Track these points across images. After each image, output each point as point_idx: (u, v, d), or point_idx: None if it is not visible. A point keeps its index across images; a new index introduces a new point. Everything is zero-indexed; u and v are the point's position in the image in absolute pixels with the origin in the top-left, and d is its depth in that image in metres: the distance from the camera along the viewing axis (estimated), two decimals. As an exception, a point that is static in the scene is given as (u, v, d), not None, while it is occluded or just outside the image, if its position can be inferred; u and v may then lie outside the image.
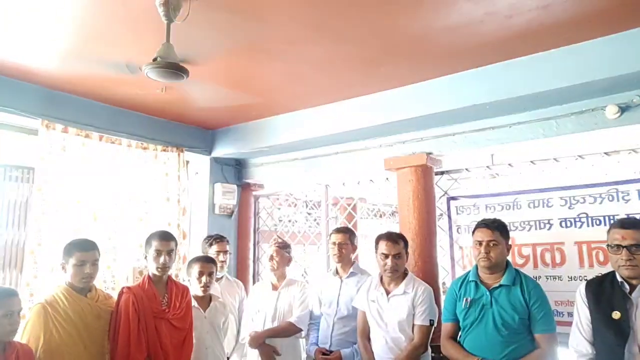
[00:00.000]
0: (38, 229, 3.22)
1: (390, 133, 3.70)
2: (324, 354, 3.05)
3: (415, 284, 2.86)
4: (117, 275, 3.68)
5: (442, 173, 3.73)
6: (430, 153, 3.56)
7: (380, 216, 4.75)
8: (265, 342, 3.11)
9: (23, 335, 2.31)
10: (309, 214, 4.93)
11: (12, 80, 3.14)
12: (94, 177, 3.62)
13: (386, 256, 2.82)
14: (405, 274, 2.90)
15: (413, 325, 2.77)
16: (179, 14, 2.21)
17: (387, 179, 3.98)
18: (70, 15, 2.36)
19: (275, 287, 3.30)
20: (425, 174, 3.57)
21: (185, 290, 2.85)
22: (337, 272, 3.27)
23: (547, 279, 3.10)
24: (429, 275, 3.31)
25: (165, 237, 2.75)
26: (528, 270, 3.00)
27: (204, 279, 2.91)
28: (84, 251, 2.48)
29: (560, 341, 2.45)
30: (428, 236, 3.49)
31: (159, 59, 2.21)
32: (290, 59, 2.91)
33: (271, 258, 3.30)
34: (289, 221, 4.91)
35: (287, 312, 3.21)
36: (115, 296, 2.70)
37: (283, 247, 3.35)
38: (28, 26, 2.46)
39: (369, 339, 2.91)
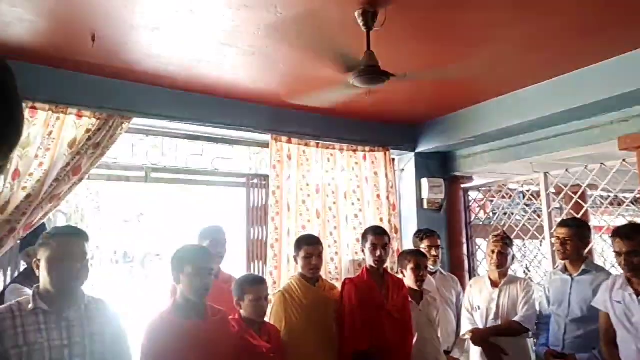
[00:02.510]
0: (275, 227, 3.78)
1: (623, 106, 3.13)
2: (555, 356, 2.78)
3: (680, 286, 2.36)
4: (339, 268, 4.04)
5: (702, 148, 3.00)
6: (683, 124, 2.89)
7: (619, 204, 4.06)
8: (489, 341, 3.00)
9: (270, 318, 2.74)
10: (527, 205, 4.52)
11: (247, 104, 3.74)
12: (314, 179, 4.06)
13: (619, 254, 2.41)
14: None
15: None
16: (376, 20, 2.32)
17: (623, 160, 3.39)
18: (287, 40, 2.70)
19: (495, 284, 3.14)
20: (677, 151, 2.92)
21: (401, 282, 2.95)
22: (566, 269, 2.94)
23: None
24: (693, 274, 2.68)
25: (380, 232, 2.90)
26: None
27: (420, 272, 2.96)
28: (310, 245, 2.78)
29: None
30: (688, 226, 2.83)
31: (362, 67, 2.35)
32: (493, 42, 2.74)
33: (492, 253, 3.14)
34: (504, 214, 4.59)
35: (511, 310, 3.02)
36: (338, 286, 2.97)
37: (506, 242, 3.16)
38: (257, 55, 2.91)
39: (615, 345, 2.52)
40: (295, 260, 2.85)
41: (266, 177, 3.95)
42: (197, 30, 2.56)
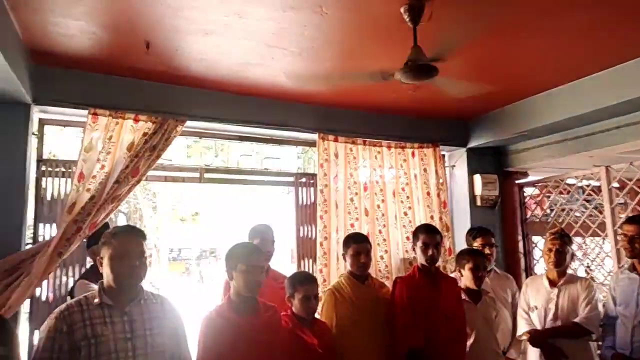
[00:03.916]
0: (323, 225, 3.80)
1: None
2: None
3: None
4: (389, 266, 4.02)
5: None
6: None
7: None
8: (548, 342, 2.88)
9: (321, 315, 2.76)
10: (587, 201, 4.29)
11: (294, 104, 3.79)
12: (361, 177, 4.05)
13: None
14: None
15: None
16: (423, 15, 2.28)
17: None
18: (332, 39, 2.72)
19: (553, 283, 3.00)
20: None
21: (454, 282, 2.89)
22: (634, 269, 2.77)
23: None
24: None
25: (431, 231, 2.84)
26: None
27: (479, 273, 2.87)
28: (358, 243, 2.77)
29: None
30: None
31: (409, 62, 2.32)
32: (546, 32, 2.63)
33: (549, 251, 3.01)
34: (562, 210, 4.38)
35: (571, 311, 2.88)
36: (388, 285, 2.95)
37: (565, 239, 3.02)
38: (304, 56, 2.94)
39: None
40: (344, 258, 2.85)
41: (314, 175, 3.99)
42: (245, 34, 2.62)
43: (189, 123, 3.39)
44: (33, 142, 3.08)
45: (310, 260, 3.93)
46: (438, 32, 2.46)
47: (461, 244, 3.81)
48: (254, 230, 3.05)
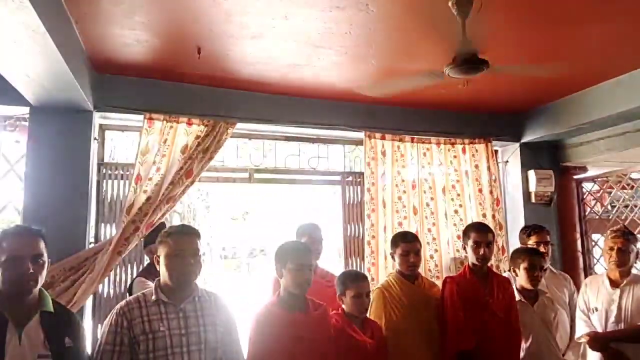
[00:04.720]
0: (371, 224, 3.79)
1: None
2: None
3: None
4: (439, 265, 3.94)
5: None
6: None
7: None
8: (610, 346, 2.73)
9: (370, 314, 2.75)
10: (653, 196, 4.04)
11: (340, 103, 3.80)
12: (409, 175, 4.00)
13: None
14: None
15: None
16: (471, 7, 2.22)
17: None
18: (379, 38, 2.70)
19: (615, 284, 2.84)
20: None
21: (507, 281, 2.80)
22: None
23: None
24: None
25: (482, 229, 2.76)
26: None
27: (535, 273, 2.77)
28: (407, 242, 2.74)
29: None
30: None
31: (458, 57, 2.26)
32: (608, 18, 2.49)
33: (611, 250, 2.85)
34: (626, 207, 4.13)
35: (635, 313, 2.71)
36: (438, 285, 2.89)
37: (628, 237, 2.85)
38: (349, 55, 2.94)
39: None
40: (393, 257, 2.83)
41: (361, 174, 3.98)
42: (292, 35, 2.66)
43: (238, 125, 3.47)
44: (94, 146, 3.26)
45: (358, 259, 3.93)
46: (487, 23, 2.40)
47: (515, 243, 3.68)
48: (302, 229, 3.07)
